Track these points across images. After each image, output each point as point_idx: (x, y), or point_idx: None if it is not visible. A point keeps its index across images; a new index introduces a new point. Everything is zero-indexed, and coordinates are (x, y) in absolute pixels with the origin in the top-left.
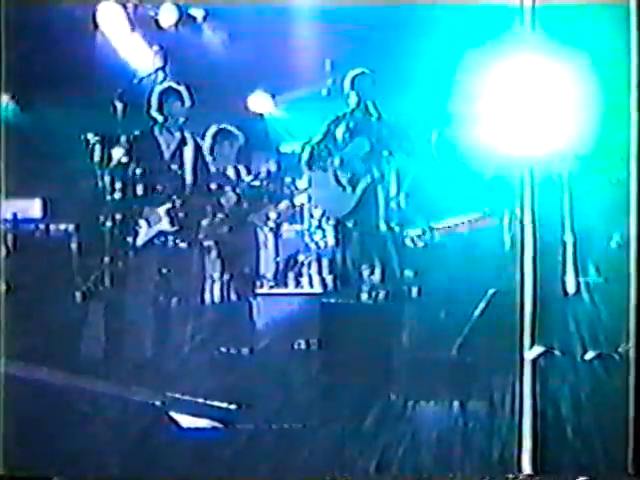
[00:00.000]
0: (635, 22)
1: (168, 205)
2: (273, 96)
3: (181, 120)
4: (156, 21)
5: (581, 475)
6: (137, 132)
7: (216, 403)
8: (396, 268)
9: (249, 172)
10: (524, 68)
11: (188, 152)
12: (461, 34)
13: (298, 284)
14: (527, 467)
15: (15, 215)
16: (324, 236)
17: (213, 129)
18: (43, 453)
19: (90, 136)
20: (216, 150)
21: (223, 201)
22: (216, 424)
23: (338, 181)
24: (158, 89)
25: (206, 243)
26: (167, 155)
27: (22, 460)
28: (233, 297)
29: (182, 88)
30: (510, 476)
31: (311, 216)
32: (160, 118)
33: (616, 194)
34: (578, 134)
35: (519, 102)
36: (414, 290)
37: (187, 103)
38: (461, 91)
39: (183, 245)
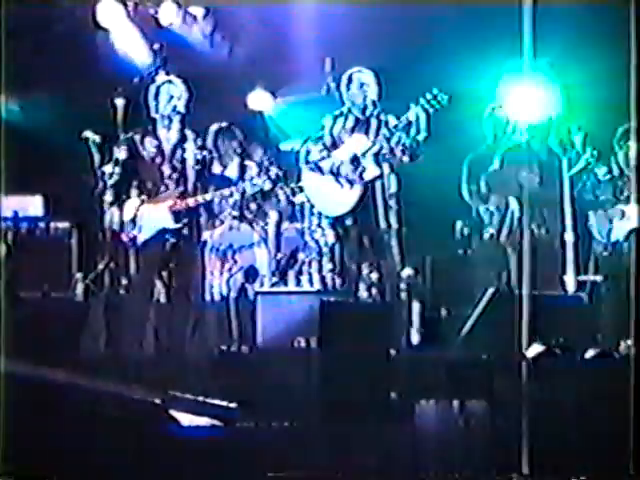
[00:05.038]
0: (635, 22)
1: (170, 202)
2: (273, 94)
3: (181, 117)
4: (156, 19)
5: (581, 475)
6: (138, 129)
7: (216, 401)
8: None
9: (249, 170)
10: (524, 67)
11: (189, 150)
12: (461, 33)
13: (298, 282)
14: (525, 467)
15: (16, 213)
16: (323, 234)
17: (213, 127)
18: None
19: (90, 134)
20: (216, 148)
21: (223, 199)
22: (216, 422)
23: (337, 180)
24: (158, 86)
25: (207, 240)
26: (168, 153)
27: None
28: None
29: (181, 85)
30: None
31: (311, 214)
32: (160, 116)
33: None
34: (578, 133)
35: (519, 100)
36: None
37: (188, 101)
38: (461, 88)
39: (185, 242)
